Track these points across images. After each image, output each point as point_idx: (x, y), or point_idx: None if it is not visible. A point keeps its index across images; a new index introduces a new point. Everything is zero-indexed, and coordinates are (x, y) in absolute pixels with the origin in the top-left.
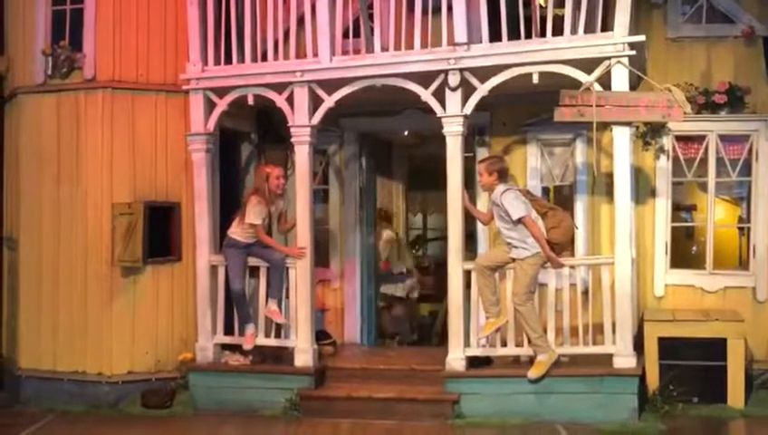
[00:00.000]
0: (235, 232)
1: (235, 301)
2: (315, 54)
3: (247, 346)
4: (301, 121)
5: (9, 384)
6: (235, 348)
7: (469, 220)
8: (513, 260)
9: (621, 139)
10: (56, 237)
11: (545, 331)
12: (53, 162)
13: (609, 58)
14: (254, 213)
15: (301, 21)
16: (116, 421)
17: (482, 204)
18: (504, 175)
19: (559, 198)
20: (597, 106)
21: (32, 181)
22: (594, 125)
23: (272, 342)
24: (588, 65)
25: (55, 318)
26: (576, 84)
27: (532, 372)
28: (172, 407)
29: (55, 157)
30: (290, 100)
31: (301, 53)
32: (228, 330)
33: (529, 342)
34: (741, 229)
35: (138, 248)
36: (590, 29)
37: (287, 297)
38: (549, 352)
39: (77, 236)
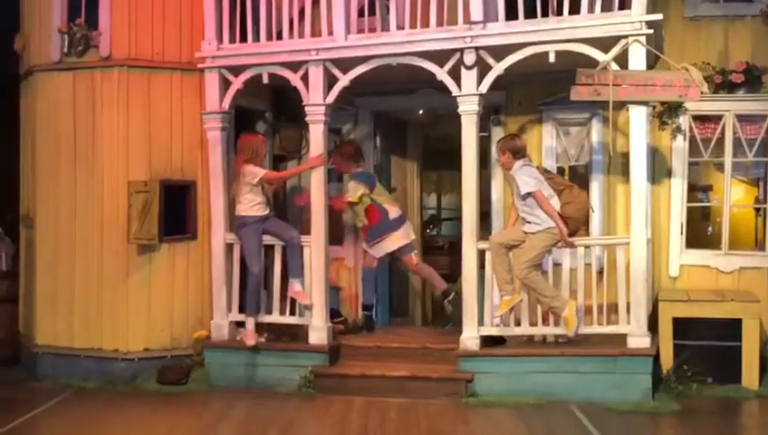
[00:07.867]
0: (244, 209)
1: (250, 286)
2: (330, 33)
3: (250, 342)
4: (315, 100)
5: (26, 360)
6: None
7: (484, 200)
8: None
9: (638, 118)
10: (72, 215)
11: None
12: (69, 140)
13: (626, 37)
14: (253, 173)
15: None
16: (132, 398)
17: (496, 183)
18: (517, 152)
19: (574, 178)
20: (613, 85)
21: (48, 159)
22: (611, 104)
23: (286, 320)
24: (605, 44)
25: (71, 295)
26: (593, 63)
27: (567, 329)
28: (187, 384)
29: (71, 135)
30: (305, 78)
31: (316, 32)
32: (243, 308)
33: (544, 320)
34: (757, 210)
35: (153, 226)
36: (607, 7)
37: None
38: (568, 304)
39: (93, 214)
